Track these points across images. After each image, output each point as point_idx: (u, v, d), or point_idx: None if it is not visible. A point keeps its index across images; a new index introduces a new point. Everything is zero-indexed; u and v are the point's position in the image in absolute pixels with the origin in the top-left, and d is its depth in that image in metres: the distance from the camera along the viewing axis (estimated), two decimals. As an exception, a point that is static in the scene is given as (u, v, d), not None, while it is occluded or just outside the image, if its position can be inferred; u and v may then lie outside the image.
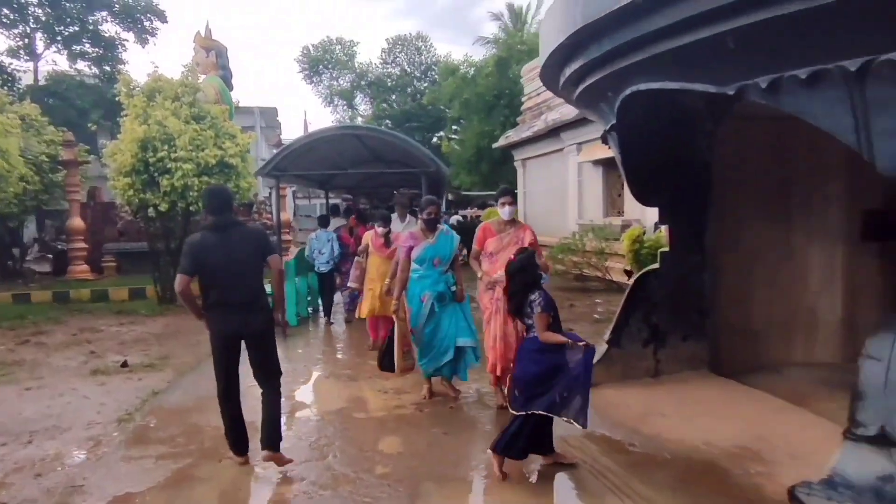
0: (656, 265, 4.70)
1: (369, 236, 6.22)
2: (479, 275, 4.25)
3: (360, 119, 34.76)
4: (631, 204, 10.78)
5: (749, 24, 2.54)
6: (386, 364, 4.51)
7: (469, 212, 20.98)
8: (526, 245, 3.96)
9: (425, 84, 34.27)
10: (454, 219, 16.40)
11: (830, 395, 4.41)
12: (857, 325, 5.34)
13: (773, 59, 2.63)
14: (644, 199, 4.52)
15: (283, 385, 3.57)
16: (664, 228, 8.52)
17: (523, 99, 15.49)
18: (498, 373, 4.18)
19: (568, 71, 3.78)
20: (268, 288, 3.61)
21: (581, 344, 3.11)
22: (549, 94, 14.24)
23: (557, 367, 3.12)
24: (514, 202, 4.21)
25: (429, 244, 4.38)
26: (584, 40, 3.31)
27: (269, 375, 3.47)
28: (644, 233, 8.44)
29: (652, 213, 9.88)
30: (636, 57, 3.09)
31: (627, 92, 3.38)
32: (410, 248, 4.40)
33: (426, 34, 37.25)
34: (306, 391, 5.17)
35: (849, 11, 2.32)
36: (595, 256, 9.98)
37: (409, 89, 34.37)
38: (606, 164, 11.42)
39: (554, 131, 12.81)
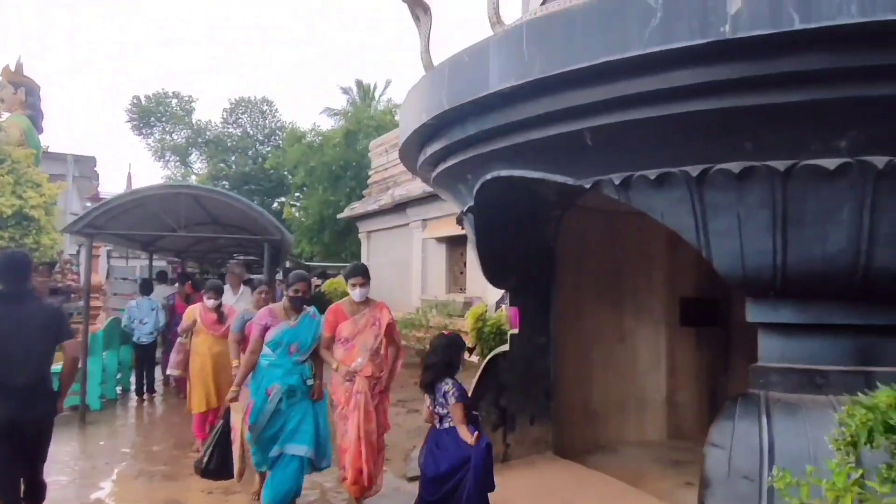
0: (505, 347, 4.71)
1: (196, 311, 5.24)
2: (334, 366, 3.66)
3: (193, 177, 32.69)
4: (473, 281, 11.09)
5: (606, 124, 2.68)
6: (212, 467, 3.76)
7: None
8: (384, 326, 3.71)
9: (268, 148, 33.42)
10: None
11: (663, 473, 4.66)
12: (678, 404, 5.81)
13: (627, 158, 2.79)
14: (496, 281, 4.56)
15: (73, 489, 2.96)
16: (505, 307, 8.81)
17: (370, 172, 15.62)
18: (353, 480, 3.63)
19: (429, 150, 3.75)
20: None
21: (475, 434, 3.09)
22: (396, 169, 14.54)
23: (465, 460, 3.04)
24: (366, 282, 3.79)
25: (288, 327, 3.69)
26: (449, 123, 3.31)
27: (36, 470, 3.14)
28: (486, 311, 8.63)
29: (494, 291, 10.21)
30: (499, 144, 3.13)
31: (488, 177, 3.41)
32: (266, 328, 3.71)
33: (272, 99, 36.65)
34: (104, 497, 4.27)
35: (690, 124, 2.53)
36: (438, 332, 9.97)
37: (250, 151, 33.24)
38: (450, 241, 11.72)
39: (400, 206, 12.97)
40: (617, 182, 2.82)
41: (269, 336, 3.70)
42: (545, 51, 2.62)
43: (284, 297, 3.82)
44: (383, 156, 14.87)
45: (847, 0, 2.06)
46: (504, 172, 3.26)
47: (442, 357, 3.16)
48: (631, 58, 2.39)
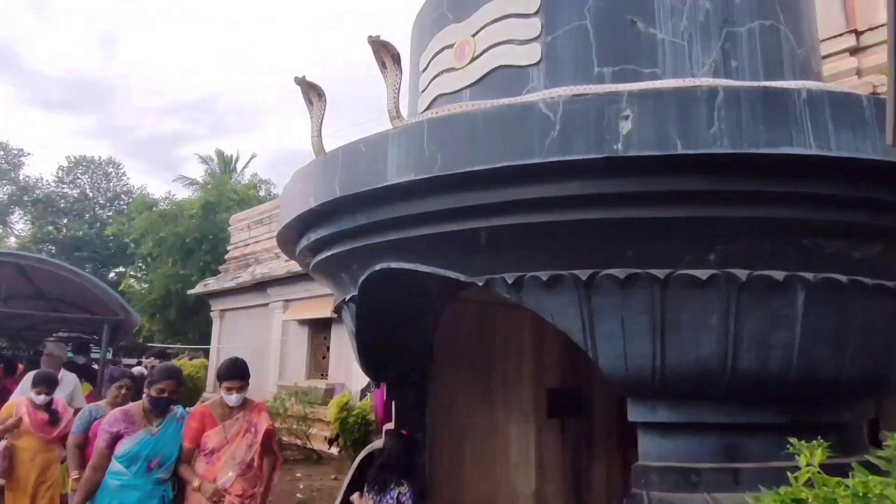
0: (379, 443, 4.43)
1: (13, 407, 4.23)
2: (196, 484, 3.01)
3: (13, 240, 28.81)
4: (336, 367, 10.62)
5: (501, 225, 2.72)
6: None
7: (146, 361, 18.16)
8: (261, 433, 3.22)
9: (109, 213, 30.63)
10: (137, 369, 13.88)
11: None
12: (546, 498, 5.81)
13: (520, 259, 2.83)
14: (374, 373, 4.34)
15: None
16: (371, 395, 8.47)
17: (229, 247, 14.77)
18: None
19: (313, 237, 3.57)
20: None
21: None
22: (259, 245, 13.90)
23: None
24: (244, 386, 3.29)
25: (149, 435, 3.01)
26: (338, 211, 3.18)
27: None
28: (351, 399, 8.24)
29: (358, 378, 9.83)
30: (391, 236, 3.05)
31: (376, 268, 3.28)
32: (117, 436, 2.98)
33: (119, 161, 34.03)
34: None
35: (580, 231, 2.64)
36: (297, 422, 9.30)
37: (87, 215, 30.22)
38: (313, 324, 11.24)
39: (260, 285, 12.29)
40: (510, 281, 2.84)
41: (122, 448, 2.94)
42: (447, 149, 2.63)
43: (144, 397, 3.08)
44: (244, 231, 14.19)
45: (721, 133, 2.32)
46: (394, 265, 3.16)
47: (400, 460, 2.88)
48: (530, 165, 2.48)
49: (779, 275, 2.65)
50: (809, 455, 2.04)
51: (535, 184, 2.54)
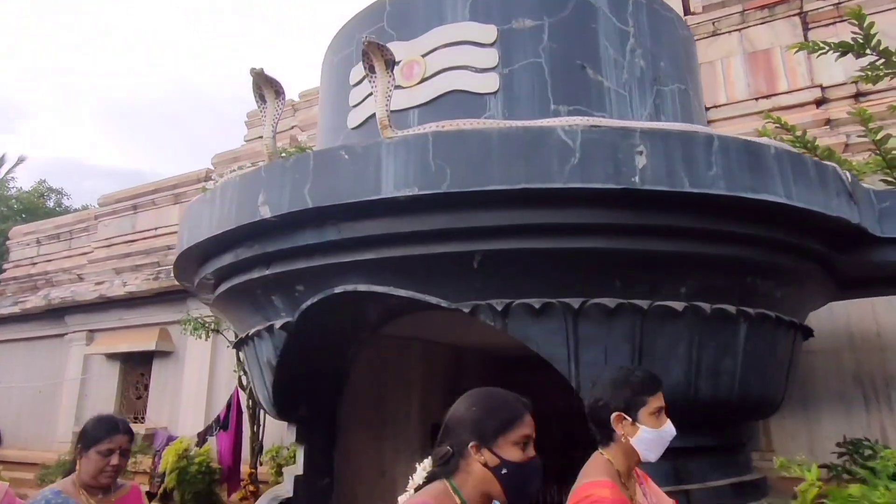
0: (286, 494, 3.90)
1: None
2: None
3: None
4: (157, 409, 9.24)
5: (501, 249, 2.63)
6: None
7: None
8: None
9: None
10: None
11: None
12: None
13: (510, 285, 2.75)
14: (285, 412, 3.83)
15: None
16: (213, 440, 7.49)
17: (6, 266, 12.18)
18: None
19: (247, 253, 3.09)
20: None
21: None
22: (52, 265, 11.66)
23: None
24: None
25: None
26: (304, 223, 2.80)
27: None
28: (190, 446, 7.17)
29: (186, 422, 8.64)
30: (368, 255, 2.77)
31: (336, 290, 2.94)
32: None
33: None
34: None
35: (579, 258, 2.67)
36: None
37: None
38: (128, 358, 9.69)
39: (56, 312, 10.29)
40: (499, 308, 2.74)
41: None
42: (458, 166, 2.49)
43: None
44: (31, 247, 11.87)
45: (718, 176, 2.53)
46: (362, 287, 2.87)
47: None
48: (550, 189, 2.45)
49: (732, 309, 2.93)
50: (808, 472, 2.26)
51: (549, 208, 2.52)
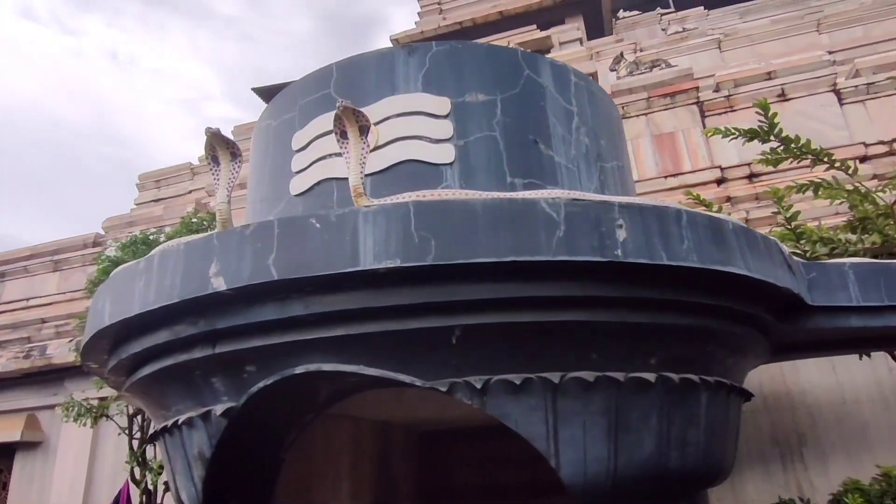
0: None
1: None
2: None
3: None
4: (18, 511, 7.87)
5: (483, 324, 2.52)
6: None
7: None
8: None
9: None
10: None
11: None
12: None
13: (486, 361, 2.62)
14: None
15: None
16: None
17: None
18: None
19: (188, 331, 2.73)
20: None
21: None
22: None
23: None
24: None
25: None
26: (265, 297, 2.53)
27: None
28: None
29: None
30: (337, 331, 2.53)
31: (297, 370, 2.65)
32: None
33: None
34: None
35: (561, 332, 2.61)
36: None
37: None
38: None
39: None
40: (478, 386, 2.59)
41: None
42: (442, 237, 2.37)
43: None
44: None
45: (690, 249, 2.60)
46: (327, 367, 2.61)
47: None
48: (539, 262, 2.39)
49: (696, 378, 2.98)
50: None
51: (535, 281, 2.45)
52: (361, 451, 5.52)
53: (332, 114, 3.77)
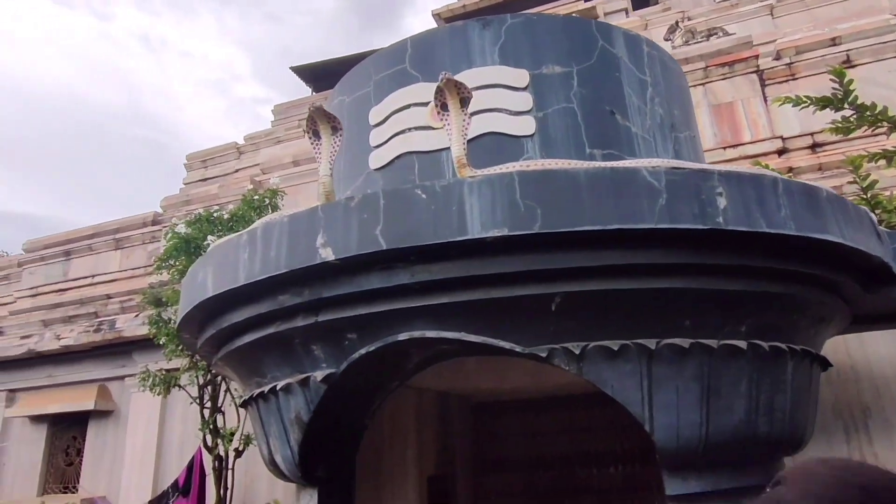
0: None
1: None
2: None
3: None
4: (92, 476, 8.31)
5: (584, 290, 2.58)
6: None
7: None
8: None
9: None
10: None
11: None
12: None
13: (584, 327, 2.69)
14: (307, 473, 3.51)
15: None
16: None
17: None
18: None
19: (294, 300, 2.86)
20: None
21: None
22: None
23: None
24: None
25: None
26: (371, 266, 2.63)
27: None
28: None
29: (128, 489, 7.80)
30: (442, 299, 2.63)
31: (401, 337, 2.77)
32: None
33: None
34: None
35: (657, 299, 2.66)
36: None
37: None
38: (57, 420, 8.73)
39: (-32, 371, 9.16)
40: (577, 352, 2.67)
41: None
42: (548, 206, 2.43)
43: None
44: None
45: (788, 217, 2.61)
46: (430, 334, 2.71)
47: None
48: (642, 230, 2.44)
49: (784, 346, 3.01)
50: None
51: (637, 249, 2.50)
52: (424, 420, 5.68)
53: (409, 88, 3.87)
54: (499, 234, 2.41)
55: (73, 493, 8.27)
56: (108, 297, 8.91)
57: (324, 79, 14.55)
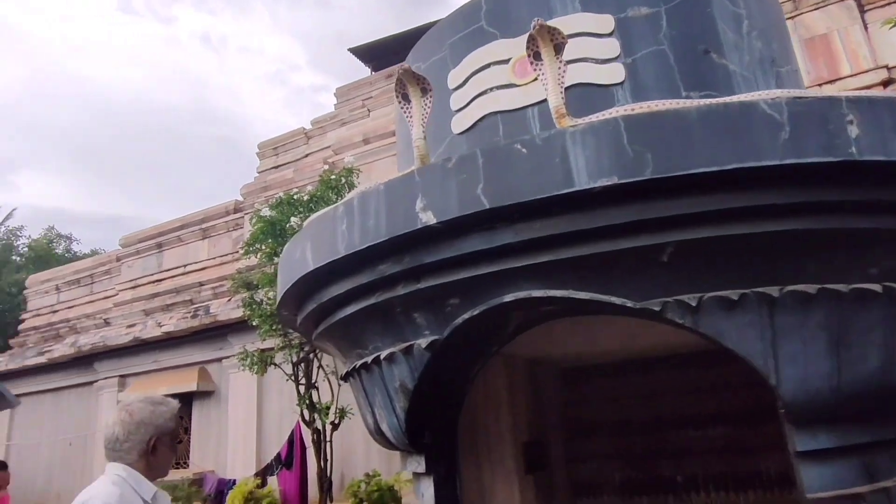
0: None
1: None
2: None
3: None
4: (201, 452, 8.85)
5: (699, 238, 2.43)
6: None
7: None
8: None
9: None
10: None
11: None
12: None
13: (698, 278, 2.54)
14: (415, 442, 3.56)
15: None
16: (273, 479, 7.14)
17: (24, 316, 11.75)
18: None
19: (393, 268, 2.85)
20: None
21: None
22: (73, 311, 11.24)
23: None
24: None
25: None
26: (473, 228, 2.58)
27: None
28: (256, 486, 6.81)
29: (234, 463, 8.26)
30: (544, 257, 2.55)
31: (506, 298, 2.72)
32: None
33: None
34: None
35: (780, 242, 2.48)
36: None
37: None
38: (164, 402, 9.31)
39: (83, 360, 9.91)
40: (693, 304, 2.53)
41: None
42: (658, 150, 2.30)
43: None
44: (51, 295, 11.47)
45: (928, 140, 2.36)
46: (536, 293, 2.64)
47: None
48: (764, 167, 2.26)
49: (921, 287, 2.75)
50: None
51: (757, 189, 2.33)
52: (515, 387, 5.65)
53: (487, 47, 3.76)
54: (607, 184, 2.30)
55: (185, 468, 8.84)
56: (201, 284, 9.36)
57: (382, 57, 14.55)
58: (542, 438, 5.85)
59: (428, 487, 3.72)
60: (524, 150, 2.45)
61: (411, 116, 2.79)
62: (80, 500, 1.79)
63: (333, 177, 6.76)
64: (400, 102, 2.86)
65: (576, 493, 6.44)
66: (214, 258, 9.57)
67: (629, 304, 2.59)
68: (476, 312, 2.80)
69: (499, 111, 3.58)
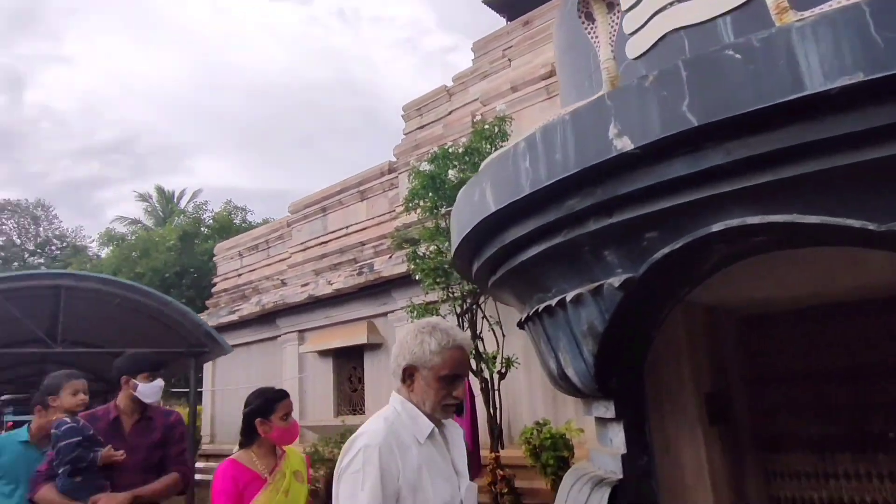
0: (609, 476, 3.54)
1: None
2: None
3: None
4: (374, 400, 9.49)
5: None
6: None
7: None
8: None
9: (41, 259, 27.84)
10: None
11: None
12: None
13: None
14: (600, 384, 3.46)
15: None
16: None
17: (216, 279, 13.30)
18: None
19: (585, 202, 2.70)
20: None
21: None
22: (255, 274, 12.53)
23: None
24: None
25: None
26: (677, 150, 2.35)
27: None
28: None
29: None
30: (766, 177, 2.26)
31: (714, 228, 2.47)
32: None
33: (49, 203, 31.22)
34: None
35: None
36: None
37: (15, 263, 27.33)
38: (338, 354, 10.08)
39: (267, 317, 11.01)
40: (959, 223, 2.10)
41: None
42: (918, 34, 1.89)
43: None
44: (234, 260, 12.82)
45: None
46: (752, 220, 2.36)
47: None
48: None
49: None
50: None
51: None
52: (694, 336, 5.28)
53: (664, -42, 3.37)
54: (850, 83, 1.94)
55: (361, 414, 9.55)
56: (362, 244, 9.89)
57: (517, 5, 14.09)
58: (724, 390, 5.45)
59: (617, 433, 3.61)
60: (738, 55, 2.15)
61: (597, 37, 2.58)
62: (356, 433, 1.69)
63: (486, 126, 6.68)
64: (583, 22, 2.66)
65: (764, 448, 5.97)
66: (373, 218, 10.04)
67: (872, 226, 2.21)
68: (678, 246, 2.58)
69: (683, 27, 3.22)
